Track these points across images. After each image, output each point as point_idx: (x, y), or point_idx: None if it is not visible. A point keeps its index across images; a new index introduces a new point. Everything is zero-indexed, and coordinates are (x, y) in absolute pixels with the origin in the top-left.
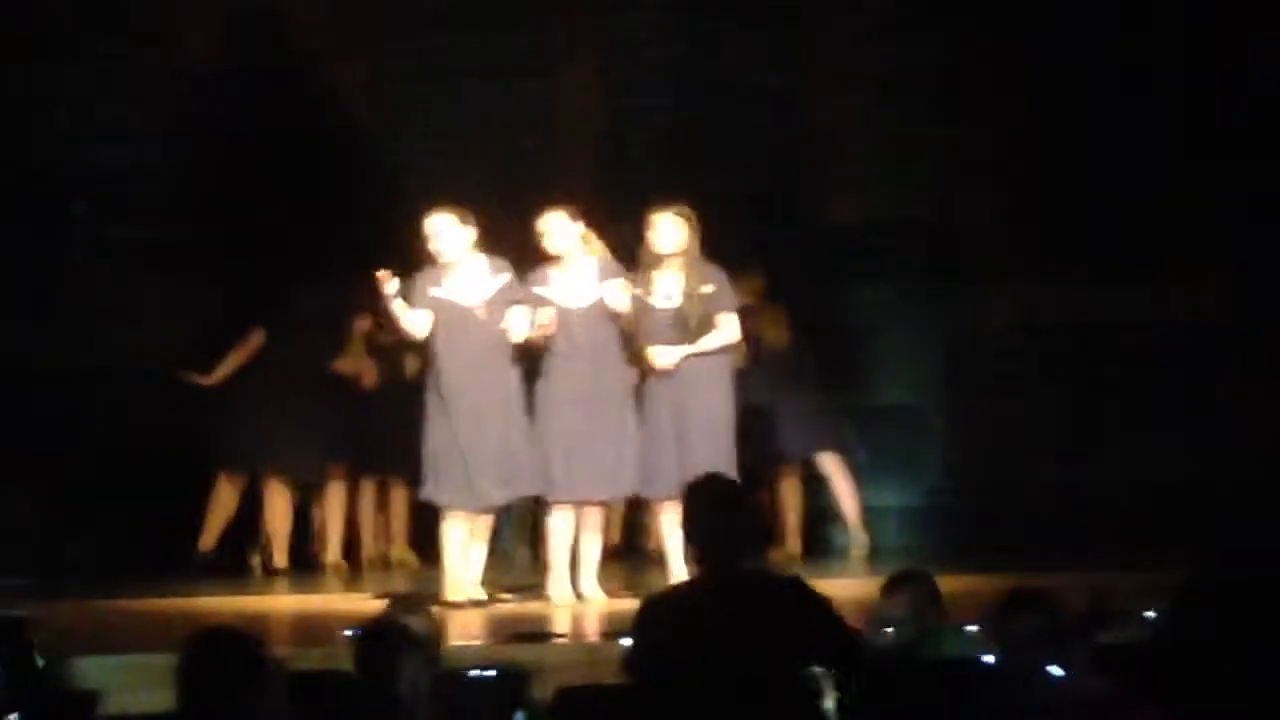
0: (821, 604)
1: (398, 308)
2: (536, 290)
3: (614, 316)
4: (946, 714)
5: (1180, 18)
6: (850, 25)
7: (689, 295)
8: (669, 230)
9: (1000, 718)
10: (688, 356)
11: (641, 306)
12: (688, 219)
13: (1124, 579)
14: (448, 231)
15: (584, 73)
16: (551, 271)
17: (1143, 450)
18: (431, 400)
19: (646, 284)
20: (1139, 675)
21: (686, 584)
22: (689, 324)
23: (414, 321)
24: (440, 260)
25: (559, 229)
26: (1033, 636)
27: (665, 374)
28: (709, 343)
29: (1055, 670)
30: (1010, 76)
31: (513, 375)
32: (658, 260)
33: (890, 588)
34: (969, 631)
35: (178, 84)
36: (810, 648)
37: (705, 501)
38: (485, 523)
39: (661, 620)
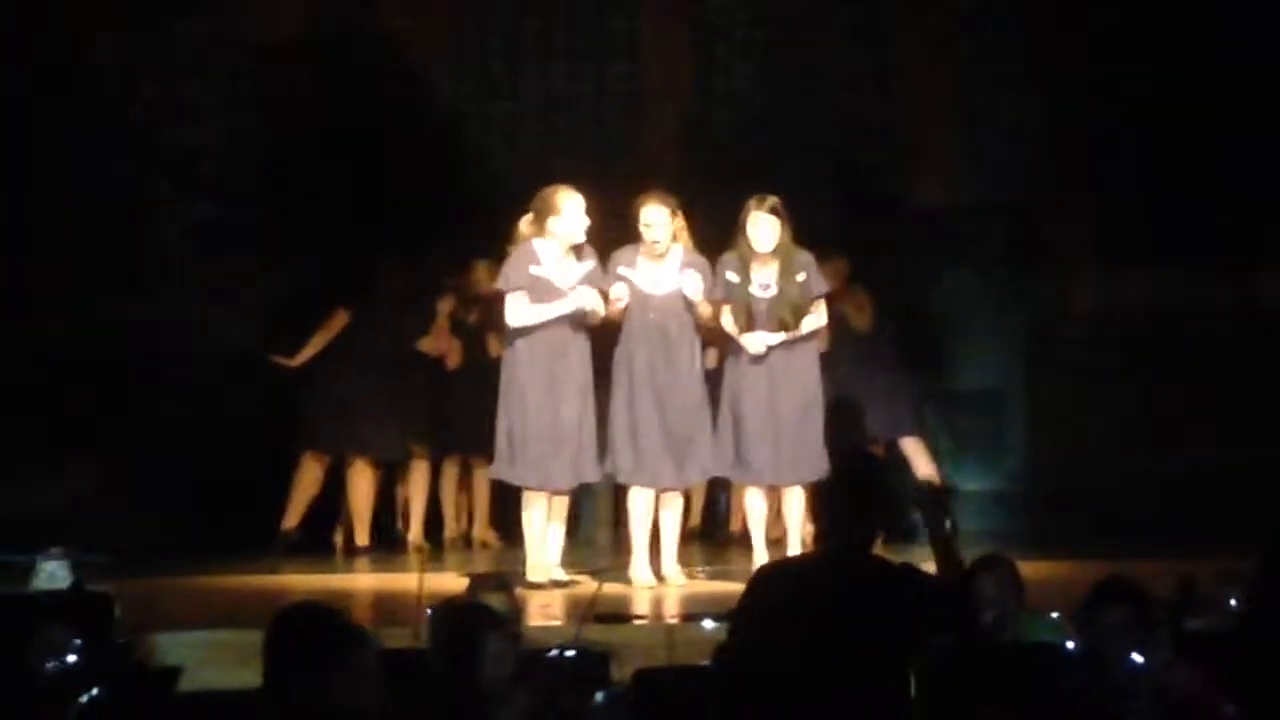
0: (928, 589)
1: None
2: (621, 270)
3: (688, 305)
4: (1026, 699)
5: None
6: (936, 8)
7: (784, 285)
8: (767, 228)
9: (1080, 703)
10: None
11: (740, 295)
12: (779, 213)
13: (1208, 566)
14: (578, 214)
15: (672, 54)
16: (640, 255)
17: (1227, 437)
18: (510, 379)
19: (744, 273)
20: (1222, 664)
21: (804, 556)
22: (784, 312)
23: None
24: (563, 240)
25: (658, 221)
26: (1122, 627)
27: (756, 359)
28: (803, 327)
29: (1137, 657)
30: (1096, 61)
31: (589, 360)
32: (754, 253)
33: (971, 573)
34: (1050, 617)
35: (265, 63)
36: (915, 633)
37: (844, 477)
38: (562, 504)
39: (772, 588)
